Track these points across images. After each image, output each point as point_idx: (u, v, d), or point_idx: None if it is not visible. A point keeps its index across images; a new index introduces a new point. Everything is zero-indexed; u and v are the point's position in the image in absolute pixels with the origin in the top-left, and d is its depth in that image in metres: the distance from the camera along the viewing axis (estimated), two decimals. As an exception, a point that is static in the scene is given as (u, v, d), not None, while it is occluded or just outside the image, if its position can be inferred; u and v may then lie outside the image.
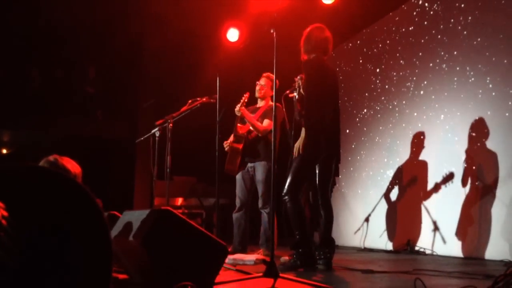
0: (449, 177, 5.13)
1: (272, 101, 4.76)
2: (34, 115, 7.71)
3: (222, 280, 2.63)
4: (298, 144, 3.56)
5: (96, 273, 1.29)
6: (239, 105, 4.55)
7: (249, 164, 4.75)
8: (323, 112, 3.63)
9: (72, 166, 2.67)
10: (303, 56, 3.83)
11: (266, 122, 4.67)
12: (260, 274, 2.73)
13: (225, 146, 4.78)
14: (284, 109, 3.98)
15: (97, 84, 8.50)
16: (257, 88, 4.83)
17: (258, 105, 4.90)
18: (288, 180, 3.61)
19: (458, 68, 5.18)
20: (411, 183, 5.75)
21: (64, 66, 8.18)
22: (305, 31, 3.87)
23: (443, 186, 5.19)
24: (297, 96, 3.77)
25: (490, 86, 4.75)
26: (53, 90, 8.05)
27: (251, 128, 4.71)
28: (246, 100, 4.64)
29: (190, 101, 4.57)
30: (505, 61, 4.59)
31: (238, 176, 4.77)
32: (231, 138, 4.81)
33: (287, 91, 4.05)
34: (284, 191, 3.60)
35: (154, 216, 2.36)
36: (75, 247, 1.28)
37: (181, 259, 2.30)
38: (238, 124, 4.75)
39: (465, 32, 5.08)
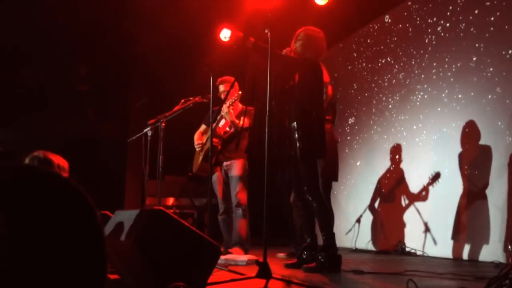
0: (439, 179, 5.15)
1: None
2: (24, 115, 7.62)
3: (215, 281, 2.61)
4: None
5: (90, 273, 1.27)
6: (229, 103, 4.54)
7: (225, 163, 4.73)
8: (322, 112, 3.76)
9: (58, 159, 2.69)
10: (296, 51, 3.81)
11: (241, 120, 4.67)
12: (253, 275, 2.72)
13: (196, 147, 4.77)
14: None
15: (89, 82, 8.43)
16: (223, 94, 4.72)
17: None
18: (313, 181, 3.57)
19: (449, 71, 5.21)
20: (402, 184, 5.77)
21: (55, 64, 8.10)
22: (308, 31, 3.83)
23: (434, 188, 5.22)
24: None
25: (484, 89, 4.77)
26: (44, 89, 7.97)
27: (227, 128, 4.72)
28: (237, 99, 4.63)
29: (183, 100, 4.56)
30: (494, 61, 4.63)
31: (215, 178, 4.75)
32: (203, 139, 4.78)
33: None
34: (313, 192, 3.54)
35: (147, 216, 2.34)
36: (68, 246, 1.26)
37: (174, 259, 2.28)
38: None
39: (461, 34, 5.11)
